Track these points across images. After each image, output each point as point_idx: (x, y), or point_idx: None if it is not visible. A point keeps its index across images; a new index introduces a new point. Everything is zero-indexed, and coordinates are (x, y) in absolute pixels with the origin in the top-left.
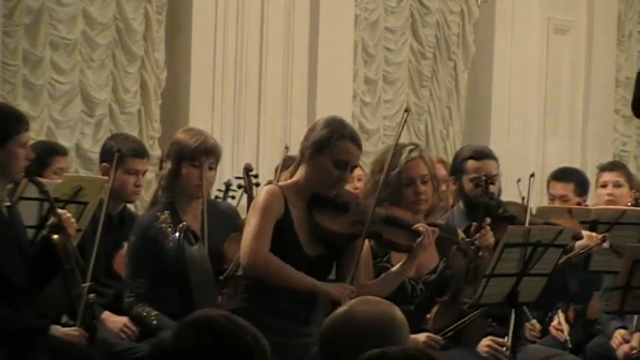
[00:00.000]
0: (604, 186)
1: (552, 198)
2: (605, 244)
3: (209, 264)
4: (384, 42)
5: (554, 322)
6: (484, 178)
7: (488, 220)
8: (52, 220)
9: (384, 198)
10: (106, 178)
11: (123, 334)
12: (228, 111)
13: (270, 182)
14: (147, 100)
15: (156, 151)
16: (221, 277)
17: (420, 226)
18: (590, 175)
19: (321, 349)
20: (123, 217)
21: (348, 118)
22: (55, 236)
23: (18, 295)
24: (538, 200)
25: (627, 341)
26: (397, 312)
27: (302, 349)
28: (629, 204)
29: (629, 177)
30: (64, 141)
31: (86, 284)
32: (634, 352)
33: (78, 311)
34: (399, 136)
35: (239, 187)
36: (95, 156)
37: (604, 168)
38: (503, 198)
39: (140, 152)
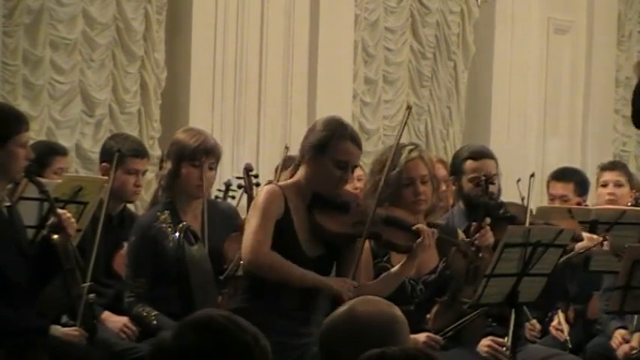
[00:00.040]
0: (605, 185)
1: (552, 198)
2: (605, 246)
3: (209, 264)
4: (384, 42)
5: (554, 322)
6: (483, 178)
7: (488, 220)
8: (52, 220)
9: (383, 198)
10: (106, 178)
11: (123, 334)
12: (228, 111)
13: (270, 182)
14: (147, 100)
15: (156, 151)
16: (221, 277)
17: (420, 227)
18: (590, 175)
19: (321, 348)
20: (123, 217)
21: (348, 118)
22: (55, 236)
23: (18, 295)
24: (538, 200)
25: (627, 341)
26: (397, 311)
27: (302, 349)
28: (629, 204)
29: (629, 177)
30: (64, 141)
31: (86, 284)
32: (634, 352)
33: (78, 311)
34: (401, 133)
35: (239, 187)
36: (95, 156)
37: (605, 167)
38: (503, 198)
39: (140, 152)
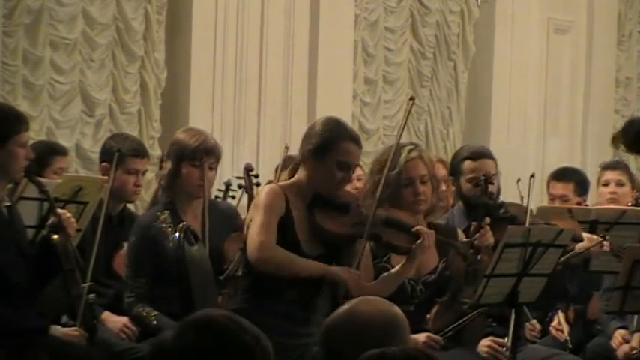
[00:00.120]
0: (606, 184)
1: (552, 198)
2: (605, 246)
3: (209, 264)
4: (384, 42)
5: (554, 322)
6: (483, 178)
7: (487, 220)
8: (52, 220)
9: (383, 198)
10: (106, 178)
11: (123, 334)
12: (228, 111)
13: (270, 182)
14: (147, 100)
15: (156, 151)
16: (221, 277)
17: (420, 229)
18: (590, 175)
19: (323, 347)
20: (123, 217)
21: (348, 118)
22: (55, 236)
23: (18, 295)
24: (538, 200)
25: (627, 341)
26: (398, 311)
27: (302, 349)
28: (630, 204)
29: (631, 176)
30: (64, 141)
31: (86, 284)
32: (634, 352)
33: (78, 311)
34: (404, 124)
35: (239, 187)
36: (95, 156)
37: (607, 167)
38: (503, 198)
39: (140, 152)
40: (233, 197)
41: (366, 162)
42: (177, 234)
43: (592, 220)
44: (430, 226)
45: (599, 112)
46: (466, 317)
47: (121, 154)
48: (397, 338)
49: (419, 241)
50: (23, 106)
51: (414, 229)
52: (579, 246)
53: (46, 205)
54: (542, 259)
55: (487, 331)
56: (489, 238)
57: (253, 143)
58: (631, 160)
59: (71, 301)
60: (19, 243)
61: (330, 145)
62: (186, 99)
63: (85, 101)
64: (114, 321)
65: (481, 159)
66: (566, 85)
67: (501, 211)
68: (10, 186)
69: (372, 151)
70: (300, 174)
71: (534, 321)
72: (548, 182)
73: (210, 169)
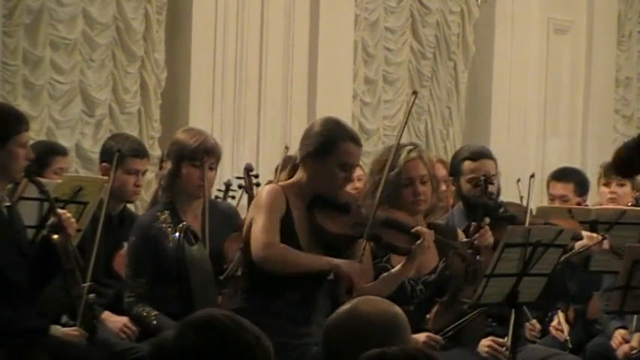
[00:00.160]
0: (607, 184)
1: (552, 198)
2: (605, 245)
3: (209, 264)
4: (384, 42)
5: (554, 322)
6: (483, 178)
7: (487, 220)
8: (52, 220)
9: (383, 199)
10: (106, 178)
11: (123, 334)
12: (228, 111)
13: (270, 182)
14: (147, 100)
15: (156, 151)
16: (221, 277)
17: (420, 230)
18: (590, 175)
19: (323, 347)
20: (123, 217)
21: (348, 118)
22: (55, 236)
23: (18, 295)
24: (538, 200)
25: (627, 341)
26: (399, 311)
27: (302, 349)
28: (630, 204)
29: None
30: (64, 141)
31: (86, 284)
32: (634, 352)
33: (78, 311)
34: (407, 117)
35: (239, 187)
36: (95, 156)
37: (608, 166)
38: (503, 198)
39: (140, 152)
40: (233, 197)
41: (366, 162)
42: (177, 234)
43: (592, 220)
44: (430, 226)
45: (599, 112)
46: (466, 317)
47: (121, 154)
48: (398, 338)
49: (419, 242)
50: (23, 106)
51: (413, 230)
52: (579, 244)
53: (46, 205)
54: (542, 259)
55: (487, 331)
56: (489, 238)
57: (253, 143)
58: None
59: (71, 301)
60: (19, 243)
61: (330, 145)
62: (186, 99)
63: (85, 101)
64: (114, 321)
65: (481, 159)
66: (566, 85)
67: (501, 210)
68: (10, 186)
69: (372, 151)
70: (300, 174)
71: (534, 321)
72: (548, 182)
73: (211, 169)
